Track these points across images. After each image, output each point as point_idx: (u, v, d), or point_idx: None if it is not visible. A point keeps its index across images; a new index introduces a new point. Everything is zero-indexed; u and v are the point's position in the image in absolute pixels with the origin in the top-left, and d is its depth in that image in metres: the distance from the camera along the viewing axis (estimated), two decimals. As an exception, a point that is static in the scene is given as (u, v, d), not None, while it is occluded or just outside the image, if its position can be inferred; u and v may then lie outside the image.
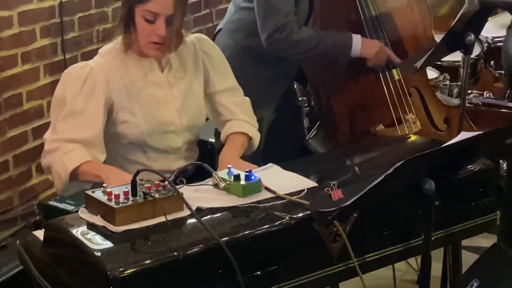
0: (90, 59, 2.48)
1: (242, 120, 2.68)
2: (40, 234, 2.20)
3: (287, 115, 3.32)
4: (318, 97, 3.46)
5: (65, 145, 2.41)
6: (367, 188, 1.93)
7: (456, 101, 3.76)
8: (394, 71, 3.27)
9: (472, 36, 2.85)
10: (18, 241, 2.28)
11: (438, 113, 3.45)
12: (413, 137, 2.92)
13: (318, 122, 3.50)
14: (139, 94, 2.50)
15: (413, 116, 3.31)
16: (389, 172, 1.88)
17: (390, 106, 3.27)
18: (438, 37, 4.27)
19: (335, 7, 3.22)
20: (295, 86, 3.53)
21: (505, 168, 3.84)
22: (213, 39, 3.14)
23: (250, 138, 2.67)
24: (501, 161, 3.85)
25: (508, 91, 4.22)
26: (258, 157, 3.17)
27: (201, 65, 2.63)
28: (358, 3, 3.20)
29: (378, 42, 3.15)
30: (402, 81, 3.28)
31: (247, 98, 2.76)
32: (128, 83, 2.49)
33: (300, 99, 3.58)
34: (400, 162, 1.87)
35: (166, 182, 2.08)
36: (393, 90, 3.27)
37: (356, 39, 3.10)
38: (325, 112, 3.42)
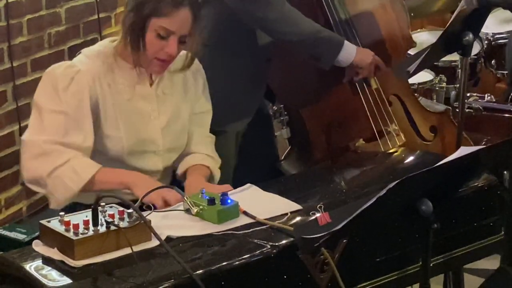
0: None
1: (204, 153, 2.71)
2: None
3: (260, 129, 3.33)
4: (288, 114, 3.47)
5: (64, 150, 2.40)
6: (357, 212, 1.94)
7: (441, 107, 3.79)
8: (371, 79, 3.29)
9: (470, 36, 2.88)
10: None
11: (423, 121, 3.48)
12: (400, 151, 2.95)
13: (290, 146, 3.52)
14: (125, 106, 2.53)
15: (396, 128, 3.33)
16: (381, 194, 1.90)
17: (370, 118, 3.28)
18: (433, 33, 4.37)
19: (299, 10, 3.22)
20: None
21: (510, 180, 3.88)
22: None
23: (211, 173, 2.68)
24: (505, 172, 3.89)
25: (512, 94, 4.27)
26: (229, 175, 3.18)
27: (190, 85, 2.68)
28: (325, 6, 3.23)
29: (370, 51, 3.17)
30: (381, 89, 3.31)
31: (213, 136, 2.79)
32: (114, 93, 2.51)
33: (275, 108, 3.58)
34: (394, 183, 1.90)
35: (131, 209, 2.09)
36: (371, 100, 3.29)
37: (350, 45, 3.12)
38: (297, 131, 3.43)
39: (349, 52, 3.10)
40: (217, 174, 2.71)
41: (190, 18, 2.47)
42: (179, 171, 2.68)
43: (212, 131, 2.81)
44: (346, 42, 3.11)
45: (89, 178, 2.39)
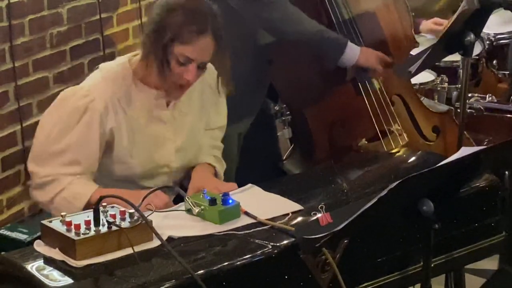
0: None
1: (211, 155, 2.70)
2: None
3: (262, 129, 3.33)
4: (291, 114, 3.47)
5: (61, 177, 2.41)
6: (359, 212, 1.94)
7: (443, 107, 3.79)
8: (373, 79, 3.29)
9: (471, 37, 2.89)
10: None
11: (426, 121, 3.48)
12: (402, 151, 2.95)
13: (292, 145, 3.52)
14: (140, 133, 2.50)
15: (399, 127, 3.33)
16: (382, 194, 1.90)
17: (372, 118, 3.28)
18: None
19: (303, 10, 3.22)
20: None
21: (511, 180, 3.87)
22: None
23: (216, 173, 2.68)
24: (506, 172, 3.88)
25: (513, 94, 4.26)
26: (231, 175, 3.18)
27: (207, 100, 2.66)
28: (328, 6, 3.23)
29: (374, 51, 3.18)
30: (383, 89, 3.31)
31: (222, 145, 2.79)
32: (130, 119, 2.48)
33: (277, 108, 3.58)
34: (395, 183, 1.89)
35: (133, 209, 2.09)
36: (374, 100, 3.29)
37: (353, 46, 3.12)
38: (299, 130, 3.43)
39: (353, 53, 3.11)
40: (221, 177, 2.70)
41: (212, 45, 2.42)
42: None
43: None
44: (349, 43, 3.12)
45: (83, 205, 2.37)
